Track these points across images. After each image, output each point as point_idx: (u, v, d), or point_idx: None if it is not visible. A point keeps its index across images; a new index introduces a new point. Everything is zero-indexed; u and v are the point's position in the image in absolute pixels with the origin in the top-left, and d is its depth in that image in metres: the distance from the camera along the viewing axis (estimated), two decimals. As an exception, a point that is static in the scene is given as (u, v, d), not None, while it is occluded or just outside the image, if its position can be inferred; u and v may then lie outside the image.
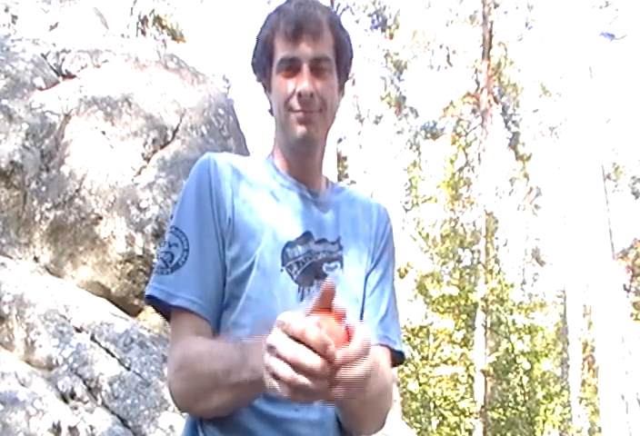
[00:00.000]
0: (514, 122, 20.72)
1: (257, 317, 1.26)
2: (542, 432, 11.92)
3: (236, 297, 1.28)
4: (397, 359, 1.39)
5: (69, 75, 4.84)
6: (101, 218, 4.22)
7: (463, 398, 13.62)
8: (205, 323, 1.26)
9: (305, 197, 1.37)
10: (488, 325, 13.66)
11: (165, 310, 1.29)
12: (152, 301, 1.29)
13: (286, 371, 0.87)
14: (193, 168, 1.35)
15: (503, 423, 12.64)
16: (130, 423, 3.46)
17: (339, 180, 17.13)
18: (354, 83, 19.07)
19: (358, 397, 0.93)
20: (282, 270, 1.29)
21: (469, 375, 14.01)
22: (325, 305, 0.92)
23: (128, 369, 3.69)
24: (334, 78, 1.33)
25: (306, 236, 1.33)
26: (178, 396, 1.24)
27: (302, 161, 1.36)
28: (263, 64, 1.35)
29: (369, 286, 1.38)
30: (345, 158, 20.66)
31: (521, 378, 11.90)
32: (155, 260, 4.17)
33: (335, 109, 1.31)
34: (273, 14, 1.34)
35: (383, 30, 20.33)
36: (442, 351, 14.51)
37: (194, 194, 1.31)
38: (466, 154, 20.56)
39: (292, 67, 1.29)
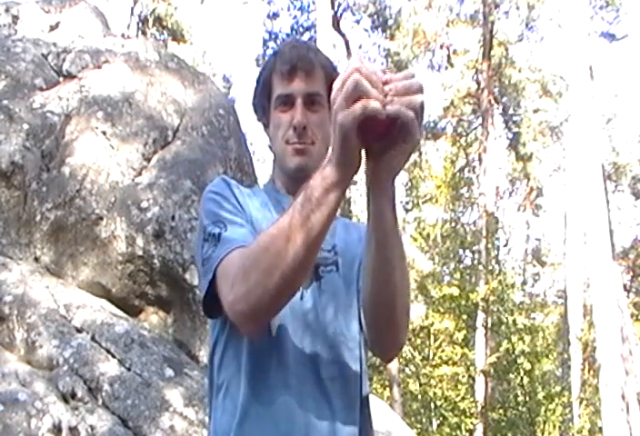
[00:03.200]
0: (514, 122, 20.72)
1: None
2: (542, 433, 11.90)
3: None
4: None
5: (70, 76, 4.84)
6: (101, 218, 4.22)
7: (463, 398, 13.61)
8: None
9: None
10: (489, 326, 13.63)
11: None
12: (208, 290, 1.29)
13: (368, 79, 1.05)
14: (207, 189, 1.43)
15: (503, 424, 12.61)
16: (130, 424, 3.46)
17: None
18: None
19: (413, 130, 1.07)
20: None
21: (470, 376, 14.00)
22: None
23: (129, 369, 3.69)
24: (326, 112, 1.39)
25: None
26: (246, 293, 1.19)
27: (299, 187, 1.37)
28: (262, 103, 1.47)
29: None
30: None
31: (522, 378, 11.88)
32: (155, 260, 4.17)
33: (329, 140, 1.30)
34: (271, 58, 1.47)
35: (383, 30, 20.33)
36: (442, 351, 14.52)
37: (216, 198, 1.38)
38: (467, 155, 20.58)
39: (287, 102, 1.42)
